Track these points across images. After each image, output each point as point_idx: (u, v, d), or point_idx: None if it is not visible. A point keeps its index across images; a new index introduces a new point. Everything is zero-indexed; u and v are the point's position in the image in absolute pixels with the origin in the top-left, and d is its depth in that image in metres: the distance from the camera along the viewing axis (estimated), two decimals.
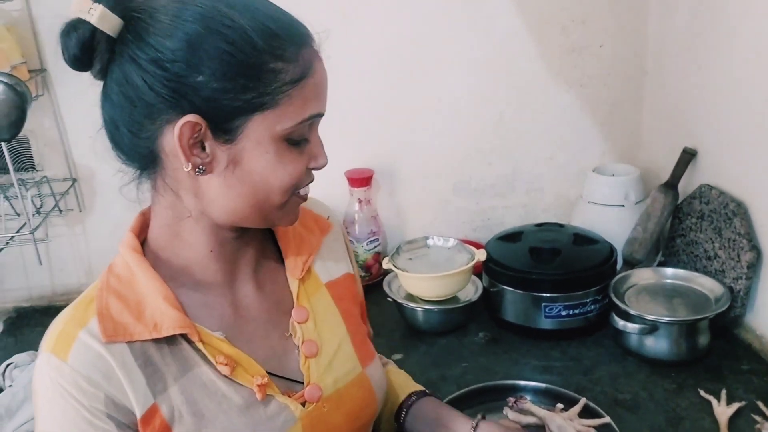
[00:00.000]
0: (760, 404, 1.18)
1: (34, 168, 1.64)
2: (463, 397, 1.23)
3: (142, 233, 0.80)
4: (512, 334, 1.48)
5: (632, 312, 1.32)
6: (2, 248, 1.62)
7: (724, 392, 1.22)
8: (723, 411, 1.18)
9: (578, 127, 1.70)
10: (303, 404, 0.79)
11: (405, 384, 1.00)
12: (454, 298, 1.52)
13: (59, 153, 1.64)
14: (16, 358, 1.31)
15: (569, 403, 1.17)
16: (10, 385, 1.26)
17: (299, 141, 0.71)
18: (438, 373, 1.37)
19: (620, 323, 1.33)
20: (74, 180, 1.67)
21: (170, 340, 0.74)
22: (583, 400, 1.16)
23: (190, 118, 0.66)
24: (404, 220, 1.76)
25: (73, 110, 1.61)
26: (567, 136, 1.71)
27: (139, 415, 0.71)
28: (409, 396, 0.96)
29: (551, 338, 1.45)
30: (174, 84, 0.65)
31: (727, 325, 1.41)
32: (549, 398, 1.22)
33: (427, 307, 1.48)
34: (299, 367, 0.81)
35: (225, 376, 0.74)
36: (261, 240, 0.84)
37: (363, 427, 0.87)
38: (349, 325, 0.88)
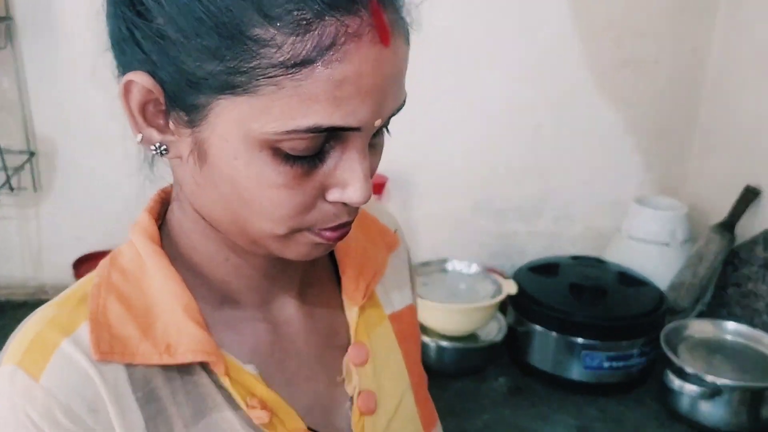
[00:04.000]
0: None
1: None
2: None
3: (160, 218, 0.57)
4: (539, 383, 1.27)
5: (689, 371, 1.12)
6: None
7: None
8: None
9: (620, 151, 1.52)
10: None
11: None
12: (472, 336, 1.30)
13: (17, 120, 1.38)
14: None
15: None
16: None
17: (300, 158, 0.45)
18: (456, 424, 1.14)
19: (676, 383, 1.13)
20: (32, 154, 1.40)
21: (185, 370, 0.52)
22: None
23: (135, 76, 0.45)
24: (415, 237, 1.53)
25: (40, 70, 1.35)
26: (606, 160, 1.52)
27: None
28: None
29: (585, 392, 1.24)
30: (123, 24, 0.46)
31: None
32: None
33: (442, 343, 1.26)
34: (350, 425, 0.58)
35: (255, 427, 0.52)
36: None
37: None
38: (412, 374, 0.65)
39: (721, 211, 1.39)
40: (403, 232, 0.72)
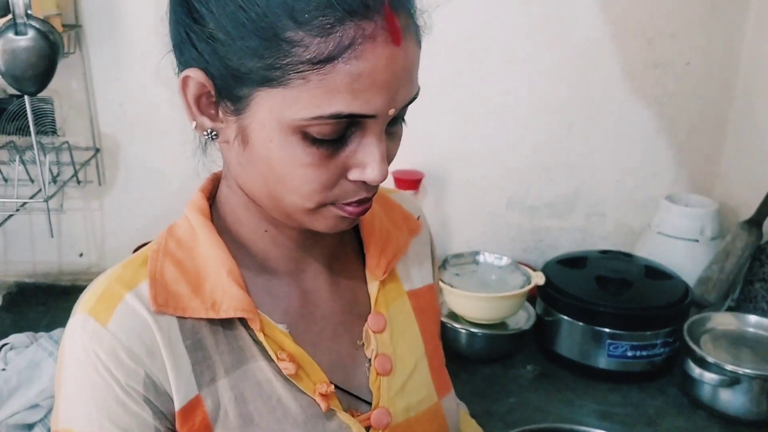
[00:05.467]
0: None
1: (55, 132, 1.50)
2: None
3: (212, 197, 0.67)
4: (565, 371, 1.32)
5: (710, 360, 1.16)
6: (12, 215, 1.48)
7: None
8: None
9: (652, 150, 1.55)
10: (367, 429, 0.64)
11: None
12: (502, 324, 1.36)
13: (84, 119, 1.51)
14: (13, 339, 1.16)
15: None
16: (3, 369, 1.12)
17: (325, 141, 0.53)
18: (482, 406, 1.21)
19: (696, 371, 1.17)
20: (97, 150, 1.53)
21: (227, 325, 0.61)
22: None
23: (191, 72, 0.55)
24: (449, 231, 1.61)
25: (105, 73, 1.47)
26: (638, 159, 1.56)
27: (178, 406, 0.58)
28: None
29: (609, 380, 1.29)
30: (182, 28, 0.55)
31: None
32: None
33: (472, 329, 1.33)
34: (368, 384, 0.67)
35: (286, 377, 0.61)
36: None
37: None
38: (427, 344, 0.73)
39: (751, 208, 1.41)
40: (426, 218, 0.80)
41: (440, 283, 1.33)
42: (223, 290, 0.61)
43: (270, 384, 0.61)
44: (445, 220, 1.60)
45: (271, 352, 0.61)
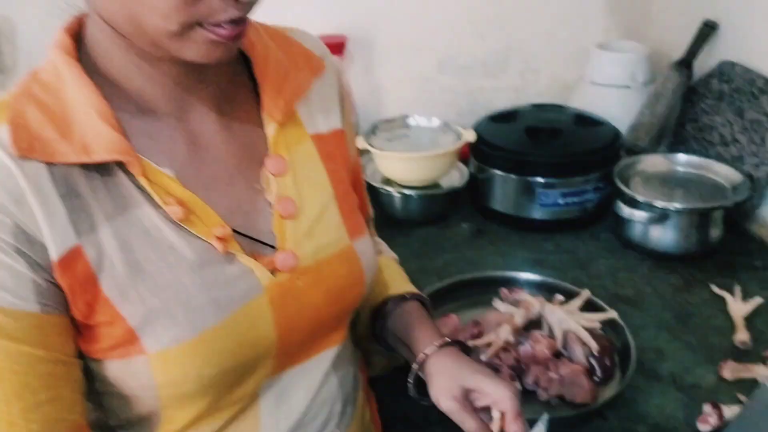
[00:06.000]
0: None
1: None
2: (448, 290, 1.08)
3: (78, 38, 0.61)
4: (500, 225, 1.32)
5: (640, 199, 1.17)
6: None
7: (738, 288, 1.09)
8: (739, 308, 1.05)
9: None
10: (273, 272, 0.61)
11: (392, 281, 0.83)
12: (436, 185, 1.34)
13: None
14: None
15: (567, 297, 1.03)
16: None
17: None
18: (417, 264, 1.21)
19: (626, 211, 1.18)
20: None
21: (104, 171, 0.57)
22: (585, 292, 1.01)
23: None
24: (380, 98, 1.55)
25: None
26: (568, 8, 1.51)
27: (56, 256, 0.54)
28: (385, 301, 0.79)
29: (543, 230, 1.29)
30: None
31: (738, 218, 1.28)
32: (544, 292, 1.07)
33: (406, 192, 1.31)
34: (271, 228, 0.63)
35: (175, 223, 0.58)
36: (230, 65, 0.65)
37: (344, 312, 0.70)
38: (336, 188, 0.70)
39: (683, 50, 1.38)
40: (333, 61, 0.74)
41: (371, 149, 1.29)
42: (95, 132, 0.56)
43: (159, 230, 0.58)
44: (374, 87, 1.54)
45: (156, 197, 0.57)
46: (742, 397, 0.88)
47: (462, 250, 1.26)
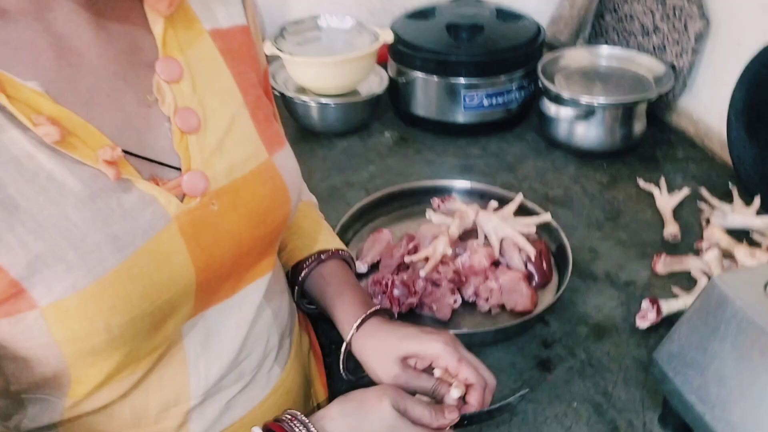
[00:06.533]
0: (704, 191, 1.06)
1: None
2: (377, 204, 1.02)
3: None
4: (424, 132, 1.26)
5: (565, 96, 1.13)
6: None
7: (663, 181, 1.09)
8: (666, 201, 1.05)
9: None
10: (181, 199, 0.52)
11: (309, 237, 0.75)
12: (354, 92, 1.25)
13: None
14: None
15: (500, 202, 0.99)
16: None
17: None
18: (342, 179, 1.13)
19: (552, 109, 1.14)
20: None
21: None
22: (519, 196, 0.98)
23: None
24: None
25: None
26: None
27: None
28: (306, 259, 0.72)
29: (469, 134, 1.24)
30: None
31: (658, 111, 1.27)
32: (476, 198, 1.03)
33: (323, 101, 1.21)
34: (172, 146, 0.54)
35: (51, 147, 0.47)
36: None
37: (270, 236, 0.62)
38: (246, 94, 0.60)
39: None
40: None
41: (281, 54, 1.18)
42: None
43: (31, 158, 0.47)
44: None
45: (21, 117, 0.46)
46: (677, 290, 0.88)
47: (387, 160, 1.19)
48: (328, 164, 1.18)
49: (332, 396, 0.77)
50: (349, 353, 0.67)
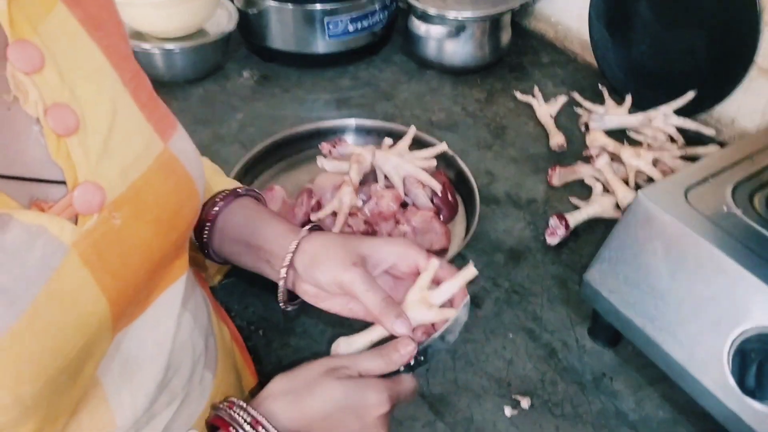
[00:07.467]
0: (577, 95, 1.08)
1: None
2: (259, 158, 0.92)
3: None
4: (287, 67, 1.16)
5: (433, 13, 1.08)
6: None
7: (537, 90, 1.09)
8: (546, 110, 1.05)
9: None
10: (75, 221, 0.41)
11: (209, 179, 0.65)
12: (201, 32, 1.11)
13: None
14: None
15: (392, 137, 0.94)
16: None
17: None
18: (208, 132, 1.02)
19: (422, 28, 1.08)
20: None
21: None
22: (412, 129, 0.93)
23: None
24: None
25: None
26: None
27: None
28: (214, 198, 0.62)
29: (334, 64, 1.16)
30: None
31: (517, 18, 1.26)
32: (362, 136, 0.97)
33: (168, 47, 1.06)
34: (49, 155, 0.42)
35: None
36: None
37: (182, 237, 0.52)
38: (122, 72, 0.48)
39: None
40: None
41: None
42: None
43: None
44: None
45: None
46: (575, 200, 0.89)
47: (253, 104, 1.08)
48: (188, 117, 1.04)
49: (262, 381, 0.71)
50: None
